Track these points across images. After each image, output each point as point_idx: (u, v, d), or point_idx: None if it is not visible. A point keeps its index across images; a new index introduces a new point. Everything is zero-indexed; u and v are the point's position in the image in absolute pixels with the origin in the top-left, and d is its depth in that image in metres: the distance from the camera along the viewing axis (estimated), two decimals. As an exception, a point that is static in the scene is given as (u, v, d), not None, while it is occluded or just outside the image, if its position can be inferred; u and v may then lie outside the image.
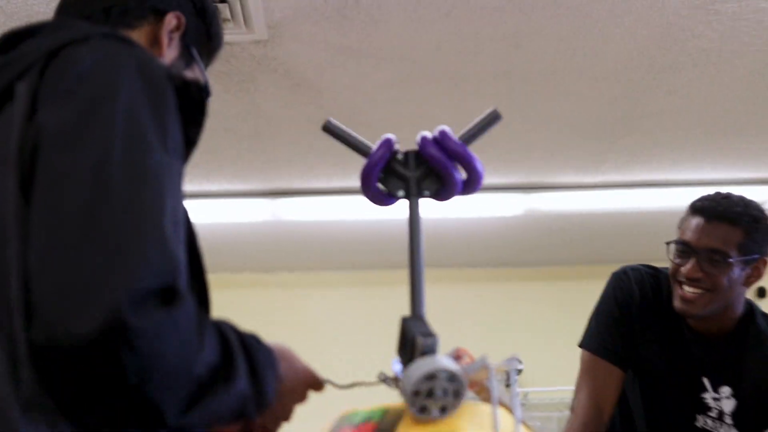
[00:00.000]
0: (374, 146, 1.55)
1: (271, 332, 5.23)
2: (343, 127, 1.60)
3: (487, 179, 5.48)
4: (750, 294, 2.70)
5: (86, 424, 1.11)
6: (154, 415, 1.09)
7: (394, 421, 1.37)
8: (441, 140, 1.53)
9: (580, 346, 2.69)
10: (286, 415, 1.36)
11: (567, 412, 5.30)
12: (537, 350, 6.05)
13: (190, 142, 1.30)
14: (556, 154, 5.13)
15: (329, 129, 1.61)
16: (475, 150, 1.57)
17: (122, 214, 1.09)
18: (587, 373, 2.66)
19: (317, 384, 1.43)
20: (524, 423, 1.36)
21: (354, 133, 1.60)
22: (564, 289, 6.52)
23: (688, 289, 2.49)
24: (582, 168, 5.31)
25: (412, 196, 1.55)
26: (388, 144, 1.54)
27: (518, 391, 1.46)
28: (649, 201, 5.57)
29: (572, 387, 2.70)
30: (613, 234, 6.07)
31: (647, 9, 3.67)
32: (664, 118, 4.70)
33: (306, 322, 6.62)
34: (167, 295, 1.10)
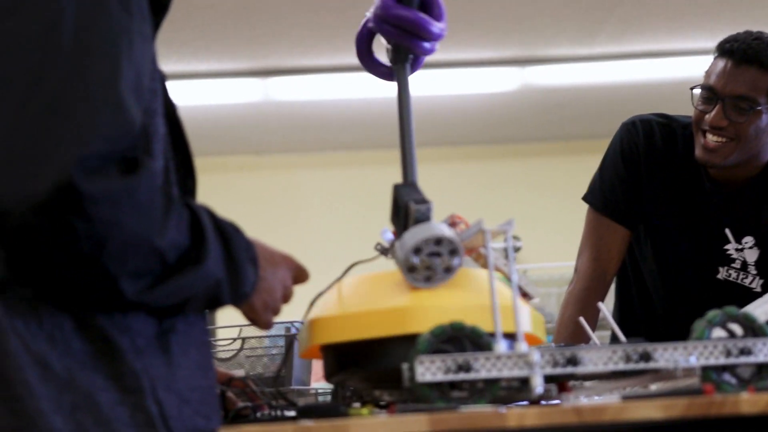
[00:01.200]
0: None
1: (263, 215, 5.32)
2: None
3: (479, 53, 5.48)
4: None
5: (58, 303, 1.11)
6: (113, 288, 1.09)
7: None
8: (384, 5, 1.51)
9: (583, 199, 2.64)
10: (273, 305, 1.34)
11: (566, 288, 5.38)
12: (534, 227, 6.04)
13: (161, 6, 1.26)
14: (549, 26, 5.07)
15: None
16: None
17: (72, 76, 1.08)
18: (590, 232, 2.61)
19: (302, 272, 1.40)
20: (521, 287, 1.36)
21: None
22: (561, 164, 6.51)
23: (711, 138, 2.40)
24: (577, 39, 5.26)
25: (398, 63, 1.53)
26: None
27: (514, 254, 1.45)
28: (647, 72, 5.54)
29: (570, 263, 2.67)
30: (611, 107, 6.01)
31: None
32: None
33: (299, 204, 6.67)
34: (126, 164, 1.08)
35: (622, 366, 1.25)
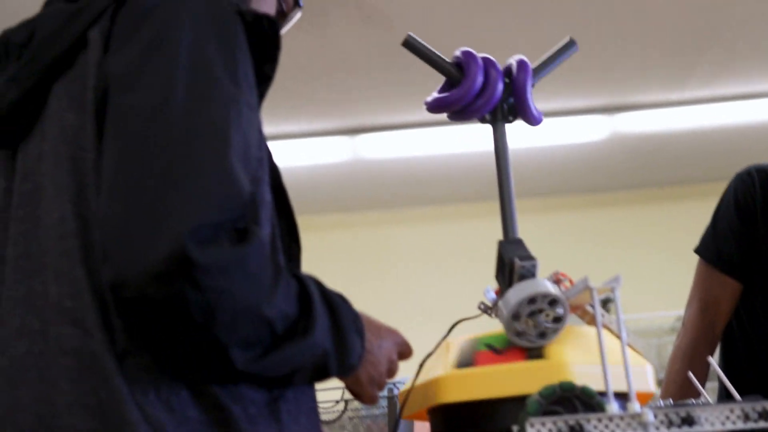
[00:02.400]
0: (469, 72, 1.51)
1: (355, 272, 5.33)
2: (425, 43, 1.57)
3: (569, 103, 5.45)
4: None
5: (174, 372, 1.13)
6: (223, 357, 1.10)
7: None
8: (516, 70, 1.51)
9: (696, 251, 2.61)
10: (378, 380, 1.35)
11: (666, 338, 5.28)
12: (631, 276, 5.90)
13: (265, 77, 1.30)
14: (638, 72, 5.05)
15: (410, 45, 1.57)
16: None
17: (184, 148, 1.10)
18: (700, 285, 2.57)
19: (407, 347, 1.41)
20: (630, 345, 1.35)
21: (436, 51, 1.57)
22: (654, 211, 6.42)
23: None
24: (667, 84, 5.22)
25: (498, 121, 1.53)
26: (484, 64, 1.51)
27: (622, 312, 1.43)
28: (741, 114, 5.46)
29: (668, 312, 2.64)
30: (704, 152, 5.98)
31: None
32: (752, 26, 4.59)
33: (390, 260, 6.66)
34: (236, 233, 1.10)
35: (740, 425, 1.22)
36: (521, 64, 1.51)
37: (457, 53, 1.53)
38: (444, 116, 1.59)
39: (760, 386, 2.35)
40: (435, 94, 1.54)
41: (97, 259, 1.12)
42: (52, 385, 1.13)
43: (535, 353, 1.33)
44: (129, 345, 1.13)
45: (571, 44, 1.59)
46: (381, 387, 1.35)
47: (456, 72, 1.55)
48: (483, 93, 1.50)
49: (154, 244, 1.05)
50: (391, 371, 1.36)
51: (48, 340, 1.15)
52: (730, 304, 2.54)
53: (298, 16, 1.56)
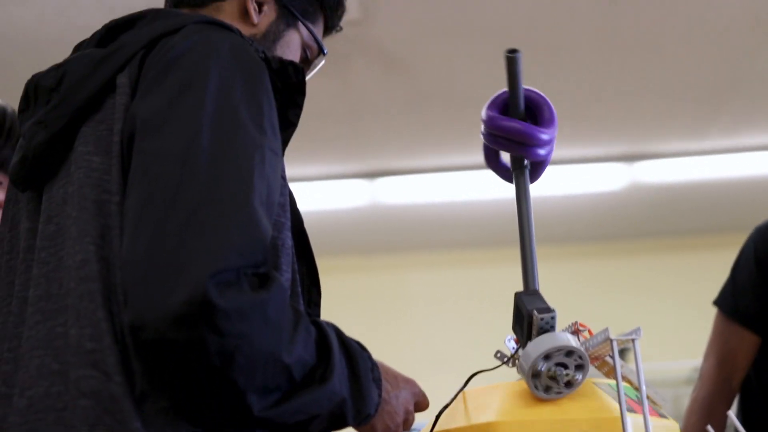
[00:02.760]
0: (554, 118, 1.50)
1: (372, 314, 5.30)
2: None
3: (588, 150, 5.46)
4: None
5: (193, 418, 1.13)
6: (241, 403, 1.10)
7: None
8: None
9: (714, 303, 2.60)
10: (396, 430, 1.34)
11: (682, 389, 5.24)
12: (647, 325, 5.85)
13: (289, 123, 1.31)
14: (658, 122, 5.05)
15: (512, 60, 1.47)
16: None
17: (208, 193, 1.11)
18: (718, 337, 2.57)
19: (423, 398, 1.40)
20: (650, 398, 1.33)
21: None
22: (672, 261, 6.39)
23: None
24: (687, 135, 5.22)
25: (516, 170, 1.53)
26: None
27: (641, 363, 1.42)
28: (760, 166, 5.45)
29: (685, 362, 2.63)
30: (723, 202, 5.97)
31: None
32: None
33: (407, 303, 6.65)
34: (257, 278, 1.10)
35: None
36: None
37: (532, 93, 1.49)
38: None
39: None
40: (497, 115, 1.48)
41: (119, 301, 1.13)
42: (69, 427, 1.13)
43: None
44: (148, 388, 1.12)
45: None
46: None
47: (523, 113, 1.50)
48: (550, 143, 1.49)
49: (175, 287, 1.05)
50: (408, 422, 1.35)
51: (67, 381, 1.15)
52: (747, 357, 2.53)
53: (321, 63, 1.56)
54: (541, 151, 1.49)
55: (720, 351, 2.54)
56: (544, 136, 1.47)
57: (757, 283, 2.50)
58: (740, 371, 2.53)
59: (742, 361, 2.52)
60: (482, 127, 1.52)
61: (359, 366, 1.23)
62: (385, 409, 1.29)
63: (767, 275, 2.49)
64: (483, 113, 1.50)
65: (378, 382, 1.27)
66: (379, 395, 1.27)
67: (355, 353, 1.23)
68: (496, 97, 1.51)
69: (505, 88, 1.49)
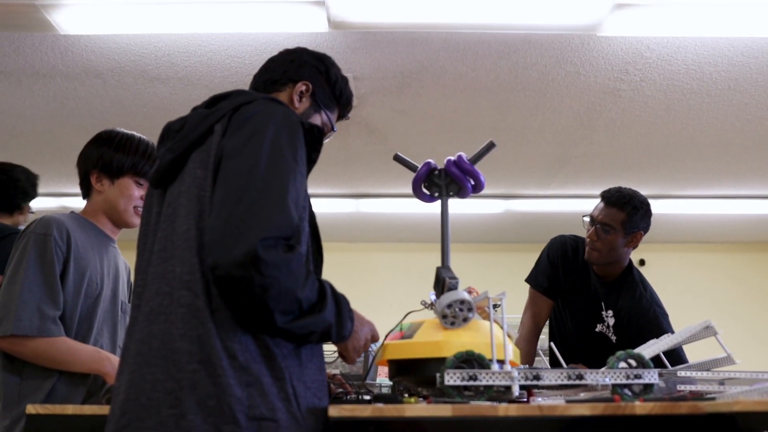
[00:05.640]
0: (420, 166, 1.53)
1: (354, 280, 5.18)
2: (406, 158, 1.58)
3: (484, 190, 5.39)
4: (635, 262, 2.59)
5: (243, 322, 1.12)
6: (270, 317, 1.10)
7: (415, 329, 1.35)
8: (459, 162, 1.51)
9: (526, 281, 2.64)
10: (358, 350, 1.33)
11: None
12: (510, 291, 5.85)
13: (311, 161, 1.30)
14: (522, 176, 5.05)
15: (398, 158, 1.60)
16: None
17: (261, 193, 1.12)
18: (530, 300, 2.61)
19: (376, 334, 1.40)
20: (509, 334, 1.34)
21: (410, 160, 1.58)
22: (524, 257, 6.36)
23: (587, 248, 2.42)
24: (539, 184, 5.23)
25: (443, 196, 1.53)
26: (428, 165, 1.53)
27: (498, 308, 1.43)
28: (579, 206, 5.39)
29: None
30: (559, 225, 5.91)
31: (577, 89, 3.61)
32: (588, 158, 4.62)
33: (378, 274, 6.59)
34: (288, 247, 1.11)
35: (566, 382, 1.22)
36: (459, 157, 1.52)
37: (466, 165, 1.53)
38: (407, 192, 1.58)
39: (565, 354, 2.36)
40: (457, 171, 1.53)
41: (205, 252, 1.13)
42: (172, 323, 1.13)
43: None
44: (219, 304, 1.12)
45: (491, 145, 1.58)
46: (359, 354, 1.33)
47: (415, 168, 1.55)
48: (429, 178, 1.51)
49: (238, 245, 1.06)
50: (366, 346, 1.33)
51: (172, 298, 1.15)
52: (547, 312, 2.59)
53: (332, 135, 1.56)
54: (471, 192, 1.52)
55: (532, 308, 2.58)
56: (482, 186, 1.53)
57: (549, 272, 2.55)
58: (543, 320, 2.58)
59: (544, 315, 2.57)
60: (446, 162, 1.53)
61: (342, 308, 1.22)
62: (354, 336, 1.28)
63: (554, 267, 2.54)
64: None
65: (352, 319, 1.26)
66: (352, 326, 1.26)
67: (340, 300, 1.23)
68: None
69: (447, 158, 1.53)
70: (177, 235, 1.19)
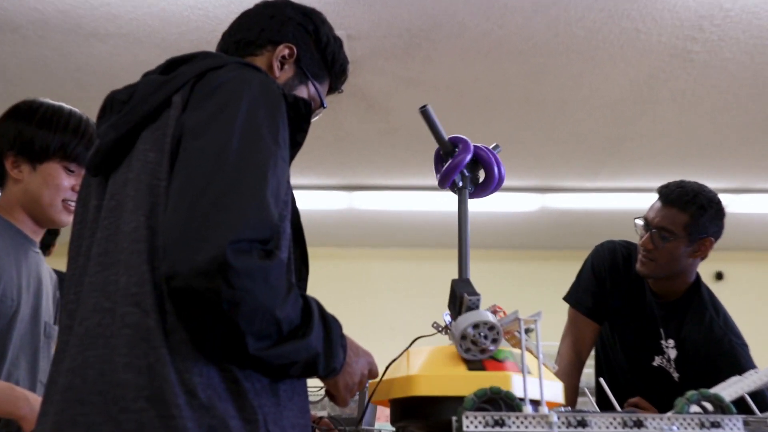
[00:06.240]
0: (461, 146, 1.55)
1: (346, 294, 5.24)
2: (436, 119, 1.57)
3: (511, 183, 5.43)
4: (707, 278, 2.60)
5: (206, 348, 1.13)
6: (240, 342, 1.10)
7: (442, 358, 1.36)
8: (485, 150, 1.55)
9: (565, 299, 2.64)
10: (351, 387, 1.33)
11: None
12: (546, 313, 5.86)
13: (296, 143, 1.31)
14: (563, 164, 5.08)
15: (425, 114, 1.58)
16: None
17: (231, 183, 1.12)
18: (571, 324, 2.62)
19: (375, 369, 1.40)
20: (545, 365, 1.34)
21: (442, 128, 1.58)
22: (562, 267, 6.39)
23: (641, 257, 2.43)
24: (583, 175, 5.26)
25: (464, 188, 1.55)
26: (472, 149, 1.56)
27: (541, 339, 1.41)
28: (633, 202, 5.45)
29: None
30: (607, 227, 5.95)
31: (638, 54, 3.62)
32: (648, 140, 4.65)
33: (374, 287, 6.62)
34: (264, 252, 1.11)
35: (620, 430, 1.22)
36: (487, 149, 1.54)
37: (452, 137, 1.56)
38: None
39: (617, 392, 2.37)
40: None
41: (159, 258, 1.13)
42: (113, 349, 1.13)
43: (476, 365, 1.33)
44: (175, 325, 1.13)
45: (496, 147, 1.63)
46: (353, 394, 1.33)
47: (450, 146, 1.57)
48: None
49: (203, 248, 1.06)
50: (362, 383, 1.34)
51: (115, 316, 1.15)
52: (592, 338, 2.59)
53: (321, 113, 1.56)
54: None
55: (573, 334, 2.58)
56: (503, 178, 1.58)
57: (593, 286, 2.56)
58: (588, 349, 2.58)
59: (588, 342, 2.57)
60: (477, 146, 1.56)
61: (332, 333, 1.22)
62: (347, 370, 1.28)
63: (600, 281, 2.55)
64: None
65: (344, 348, 1.26)
66: (344, 357, 1.26)
67: (330, 323, 1.23)
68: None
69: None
70: (122, 235, 1.19)
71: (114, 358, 1.13)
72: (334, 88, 1.60)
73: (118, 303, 1.16)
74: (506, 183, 1.58)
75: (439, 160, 1.63)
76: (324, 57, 1.52)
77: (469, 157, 1.53)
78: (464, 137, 1.55)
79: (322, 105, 1.55)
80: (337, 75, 1.57)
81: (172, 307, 1.13)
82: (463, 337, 1.32)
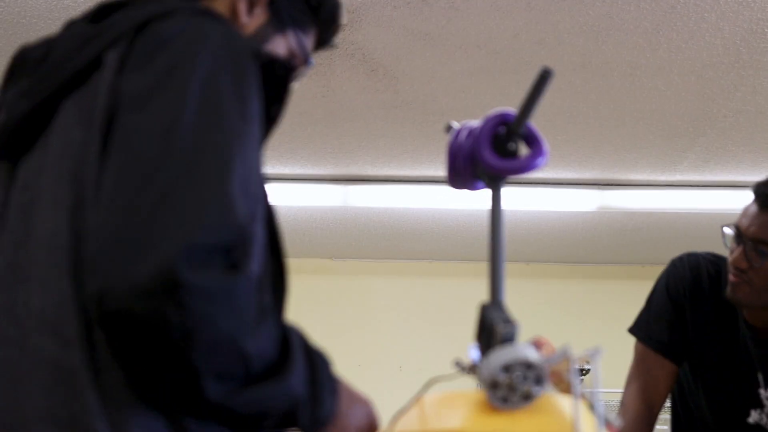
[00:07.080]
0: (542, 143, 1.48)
1: (334, 317, 5.29)
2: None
3: (560, 174, 5.47)
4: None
5: (149, 392, 1.12)
6: (196, 384, 1.09)
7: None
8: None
9: (631, 331, 2.63)
10: None
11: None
12: (607, 349, 5.86)
13: (272, 118, 1.31)
14: (631, 151, 5.07)
15: (544, 81, 1.50)
16: (548, 145, 1.51)
17: (185, 172, 1.11)
18: (639, 364, 2.61)
19: (375, 422, 1.40)
20: (606, 421, 1.34)
21: None
22: (633, 288, 6.40)
23: (732, 277, 2.40)
24: (658, 165, 5.25)
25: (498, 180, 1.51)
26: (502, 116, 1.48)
27: (599, 384, 1.39)
28: (726, 202, 5.47)
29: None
30: (687, 234, 6.00)
31: (734, 4, 3.61)
32: (747, 117, 4.63)
33: (369, 310, 6.65)
34: (229, 264, 1.09)
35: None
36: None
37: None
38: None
39: None
40: (493, 158, 1.45)
41: (86, 270, 1.11)
42: (25, 394, 1.13)
43: None
44: (107, 361, 1.12)
45: (545, 75, 1.50)
46: None
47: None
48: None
49: (144, 259, 1.04)
50: None
51: (25, 349, 1.15)
52: (667, 384, 2.59)
53: (305, 74, 1.56)
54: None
55: (642, 378, 2.58)
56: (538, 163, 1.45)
57: (669, 315, 2.56)
58: (661, 398, 2.57)
59: (662, 388, 2.57)
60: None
61: (319, 373, 1.23)
62: (339, 423, 1.28)
63: (678, 307, 2.54)
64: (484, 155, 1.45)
65: (334, 393, 1.26)
66: (334, 405, 1.26)
67: (317, 361, 1.23)
68: (485, 129, 1.46)
69: (491, 111, 1.48)
70: (36, 240, 1.19)
71: (25, 406, 1.12)
72: (324, 40, 1.60)
73: (29, 332, 1.15)
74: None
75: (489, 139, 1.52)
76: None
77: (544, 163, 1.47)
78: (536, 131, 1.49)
79: (306, 62, 1.54)
80: (326, 22, 1.57)
81: (102, 338, 1.11)
82: (495, 381, 1.31)
